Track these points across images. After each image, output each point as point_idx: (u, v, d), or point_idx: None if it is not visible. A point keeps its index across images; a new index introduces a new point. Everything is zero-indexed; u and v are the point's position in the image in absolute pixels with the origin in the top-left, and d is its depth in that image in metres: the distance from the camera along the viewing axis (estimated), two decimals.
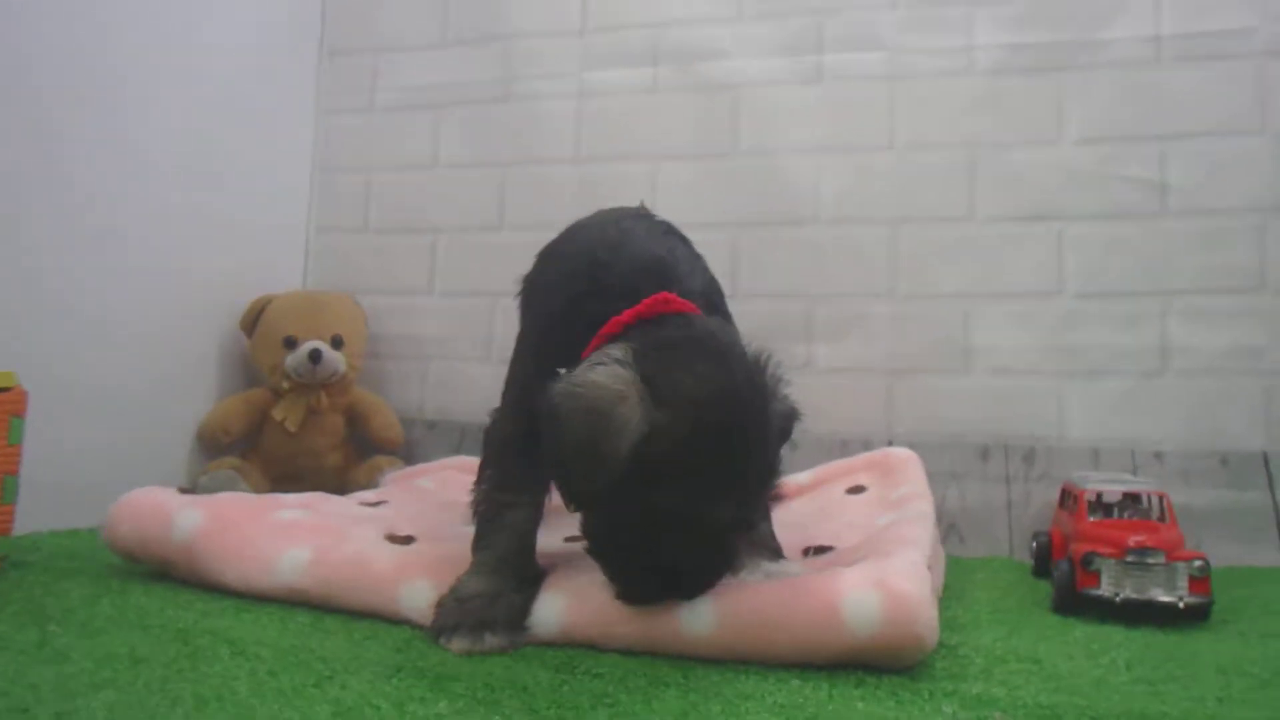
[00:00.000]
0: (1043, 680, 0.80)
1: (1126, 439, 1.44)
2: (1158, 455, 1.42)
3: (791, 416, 0.93)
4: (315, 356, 1.63)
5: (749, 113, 1.62)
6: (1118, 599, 1.04)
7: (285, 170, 1.86)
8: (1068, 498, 1.29)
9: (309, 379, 1.64)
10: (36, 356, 1.15)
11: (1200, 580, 1.04)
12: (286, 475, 1.65)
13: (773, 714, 0.68)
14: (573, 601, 0.88)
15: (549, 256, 1.12)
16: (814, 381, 1.55)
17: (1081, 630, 0.99)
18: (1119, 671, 0.84)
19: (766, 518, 1.03)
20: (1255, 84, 1.41)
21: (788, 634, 0.81)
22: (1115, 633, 0.98)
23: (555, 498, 1.11)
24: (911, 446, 1.42)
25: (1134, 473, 1.42)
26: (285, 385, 1.65)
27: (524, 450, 0.95)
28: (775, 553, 1.00)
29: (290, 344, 1.65)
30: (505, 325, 1.73)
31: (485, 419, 1.67)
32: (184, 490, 1.15)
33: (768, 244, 1.60)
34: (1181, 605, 1.03)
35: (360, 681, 0.71)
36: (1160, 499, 1.18)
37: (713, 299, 0.99)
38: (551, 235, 1.68)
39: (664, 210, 1.63)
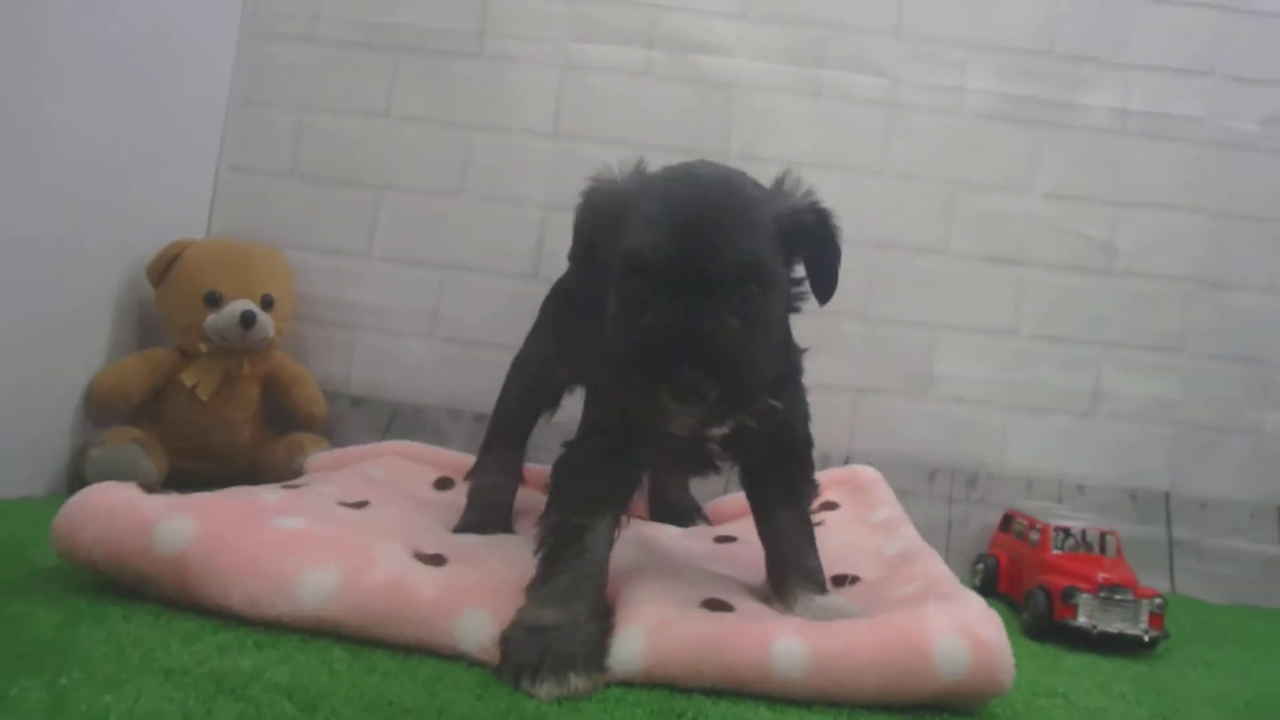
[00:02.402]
0: (1084, 717, 0.91)
1: (1056, 471, 1.64)
2: (1080, 488, 1.64)
3: (811, 212, 0.95)
4: (248, 319, 1.46)
5: (744, 114, 1.65)
6: (1094, 631, 1.20)
7: (197, 96, 1.62)
8: (1014, 523, 1.46)
9: (236, 343, 1.48)
10: None
11: (1158, 615, 1.23)
12: (193, 451, 1.48)
13: None
14: (655, 638, 0.86)
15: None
16: None
17: (1071, 660, 1.13)
18: (1132, 705, 0.97)
19: (815, 553, 1.05)
20: (1198, 168, 1.65)
21: (878, 676, 0.85)
22: (1099, 662, 1.13)
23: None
24: (867, 463, 1.54)
25: (1059, 502, 1.62)
26: (203, 347, 1.47)
27: (601, 473, 0.95)
28: (821, 586, 1.03)
29: (214, 301, 1.47)
30: (454, 300, 1.66)
31: (424, 399, 1.62)
32: (144, 486, 0.99)
33: None
34: (1146, 639, 1.20)
35: None
36: (1114, 537, 1.36)
37: None
38: (525, 210, 1.66)
39: None
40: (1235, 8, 1.66)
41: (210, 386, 1.48)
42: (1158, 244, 1.65)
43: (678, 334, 0.80)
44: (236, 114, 1.68)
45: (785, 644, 0.85)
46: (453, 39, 1.67)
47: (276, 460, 1.52)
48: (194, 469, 1.47)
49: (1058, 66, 1.66)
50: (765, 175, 1.63)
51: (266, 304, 1.52)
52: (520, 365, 1.36)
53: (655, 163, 1.61)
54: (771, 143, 1.65)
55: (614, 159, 1.59)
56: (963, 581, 1.07)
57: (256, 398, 1.55)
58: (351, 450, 1.51)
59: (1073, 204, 1.65)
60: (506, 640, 0.84)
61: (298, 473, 1.47)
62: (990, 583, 1.44)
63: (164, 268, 1.48)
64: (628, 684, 0.83)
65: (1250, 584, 1.62)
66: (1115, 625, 1.21)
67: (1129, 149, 1.65)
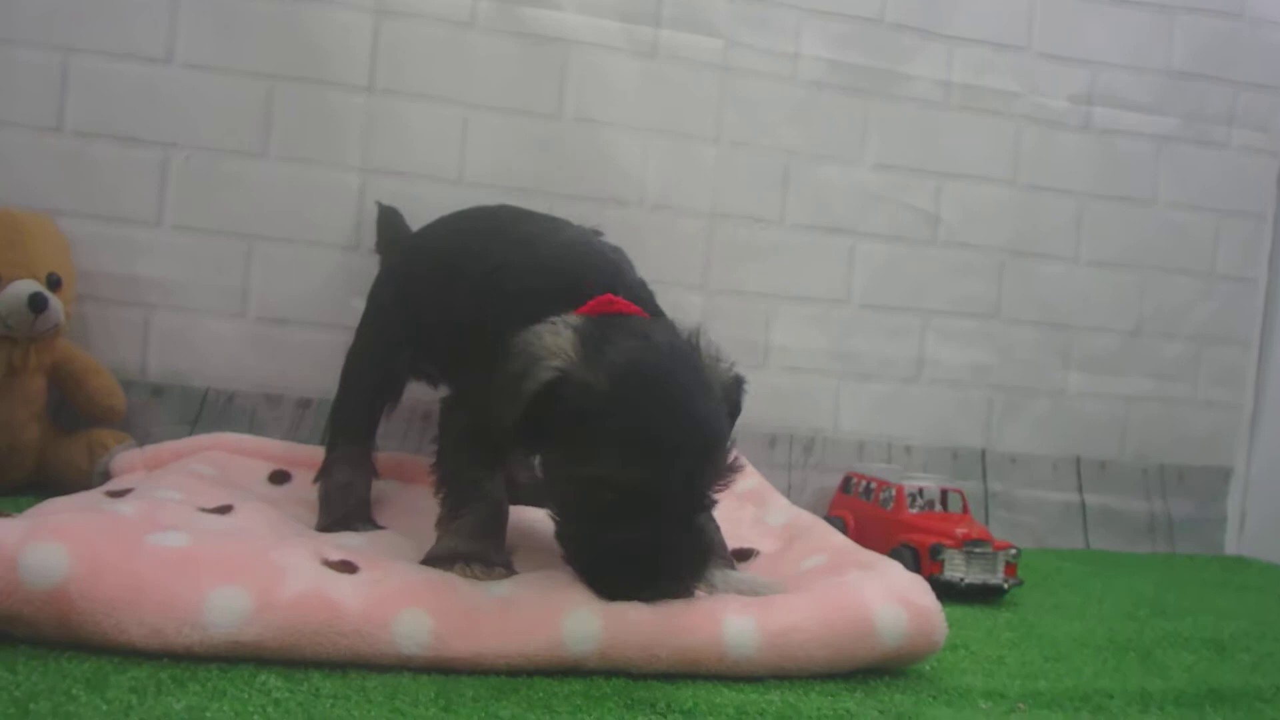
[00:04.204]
0: (992, 666, 1.06)
1: (885, 434, 1.81)
2: (907, 449, 1.82)
3: (736, 387, 1.09)
4: (38, 303, 1.36)
5: (578, 75, 1.66)
6: (962, 583, 1.36)
7: None
8: (856, 484, 1.62)
9: (23, 331, 1.37)
10: None
11: (1012, 565, 1.40)
12: None
13: None
14: (610, 619, 0.92)
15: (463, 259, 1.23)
16: None
17: (949, 612, 1.24)
18: (1025, 651, 1.13)
19: (718, 529, 1.14)
20: (1013, 142, 1.83)
21: (828, 649, 0.94)
22: (974, 613, 1.29)
23: None
24: None
25: (889, 462, 1.81)
26: None
27: (480, 448, 1.11)
28: (730, 562, 1.14)
29: None
30: (265, 274, 1.60)
31: (235, 384, 1.61)
32: None
33: (588, 221, 1.71)
34: (1006, 587, 1.39)
35: None
36: (960, 495, 1.54)
37: (646, 294, 1.15)
38: (340, 174, 1.64)
39: (474, 168, 1.69)
40: None
41: None
42: (975, 215, 1.82)
43: (654, 552, 0.96)
44: None
45: (736, 622, 0.93)
46: None
47: (74, 462, 1.44)
48: None
49: (886, 35, 1.78)
50: (601, 141, 1.72)
51: (53, 284, 1.41)
52: (357, 358, 1.38)
53: (482, 124, 1.69)
54: (605, 105, 1.68)
55: (433, 115, 1.66)
56: None
57: (43, 392, 1.45)
58: (167, 446, 1.45)
59: (899, 174, 1.79)
60: (431, 561, 1.02)
61: (105, 476, 1.40)
62: None
63: None
64: (580, 664, 0.89)
65: (1051, 530, 1.88)
66: (979, 576, 1.38)
67: (950, 121, 1.80)
